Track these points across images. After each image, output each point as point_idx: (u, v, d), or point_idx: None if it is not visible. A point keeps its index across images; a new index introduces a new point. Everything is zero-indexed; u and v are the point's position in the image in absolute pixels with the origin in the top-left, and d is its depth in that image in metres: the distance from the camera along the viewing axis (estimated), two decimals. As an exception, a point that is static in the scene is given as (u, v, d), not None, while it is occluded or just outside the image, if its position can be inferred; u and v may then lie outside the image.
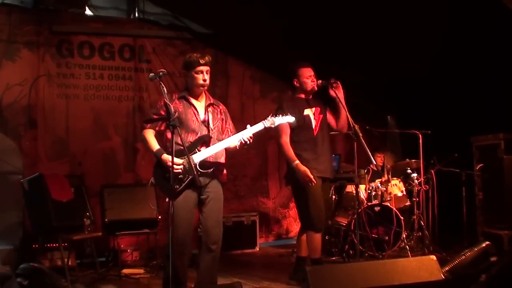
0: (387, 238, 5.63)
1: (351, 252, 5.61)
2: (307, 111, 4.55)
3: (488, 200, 6.00)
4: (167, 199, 3.61)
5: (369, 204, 5.83)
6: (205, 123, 3.85)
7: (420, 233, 5.93)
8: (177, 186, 3.65)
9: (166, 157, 3.66)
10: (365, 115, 6.41)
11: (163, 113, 3.79)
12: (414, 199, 5.89)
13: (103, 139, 6.37)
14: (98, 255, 5.22)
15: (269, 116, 3.83)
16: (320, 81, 4.50)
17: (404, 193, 6.18)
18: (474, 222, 6.07)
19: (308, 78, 4.56)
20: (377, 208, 5.81)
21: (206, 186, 3.79)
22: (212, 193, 3.82)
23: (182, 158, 3.64)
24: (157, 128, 3.87)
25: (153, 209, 5.28)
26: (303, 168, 4.35)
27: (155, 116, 3.86)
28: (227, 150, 3.91)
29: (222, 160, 3.90)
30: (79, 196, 5.22)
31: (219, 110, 3.98)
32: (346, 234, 5.79)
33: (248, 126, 3.77)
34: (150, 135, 3.85)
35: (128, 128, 6.49)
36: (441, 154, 5.96)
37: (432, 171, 6.00)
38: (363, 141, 3.99)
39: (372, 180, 6.13)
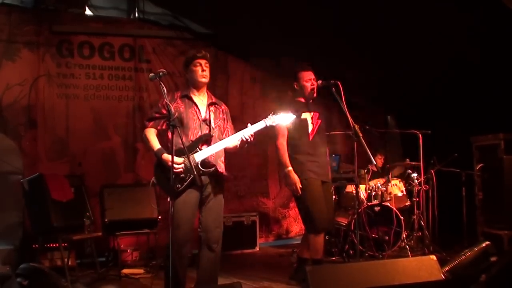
0: (387, 238, 5.64)
1: (351, 252, 5.61)
2: (305, 115, 4.57)
3: (488, 200, 6.01)
4: (168, 199, 3.61)
5: (369, 204, 5.83)
6: (206, 121, 3.84)
7: (420, 233, 5.93)
8: (179, 186, 3.64)
9: (167, 156, 3.65)
10: (365, 115, 6.41)
11: (164, 112, 3.76)
12: (414, 199, 5.88)
13: (103, 139, 6.37)
14: (98, 255, 5.23)
15: (271, 115, 3.83)
16: (320, 81, 4.50)
17: (404, 193, 6.18)
18: (474, 222, 6.08)
19: (308, 81, 4.57)
20: (377, 208, 5.81)
21: (207, 185, 3.78)
22: (213, 193, 3.80)
23: (182, 157, 3.63)
24: (158, 127, 3.86)
25: (153, 208, 5.29)
26: (294, 177, 4.40)
27: (157, 115, 3.85)
28: (226, 151, 3.91)
29: (223, 159, 3.89)
30: (79, 196, 5.22)
31: (221, 109, 3.96)
32: (346, 234, 5.79)
33: (249, 124, 3.76)
34: (151, 134, 3.83)
35: (128, 128, 6.49)
36: (441, 154, 5.96)
37: (432, 171, 6.00)
38: (363, 141, 4.00)
39: (372, 180, 6.13)
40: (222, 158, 3.89)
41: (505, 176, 5.74)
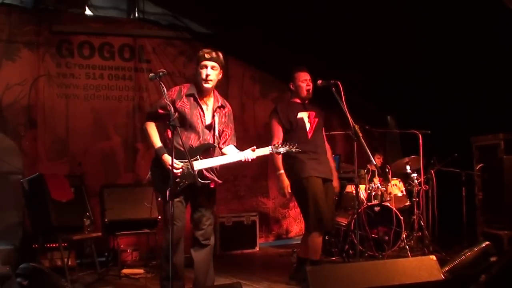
0: (387, 238, 5.63)
1: (351, 252, 5.61)
2: (301, 114, 4.59)
3: (488, 200, 6.00)
4: (159, 198, 3.62)
5: (369, 204, 5.83)
6: (210, 127, 3.78)
7: (420, 233, 5.93)
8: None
9: (167, 158, 3.62)
10: (365, 115, 6.40)
11: (165, 111, 3.71)
12: (414, 199, 5.88)
13: (103, 139, 6.37)
14: (98, 255, 5.22)
15: (277, 144, 3.89)
16: (320, 81, 4.49)
17: (404, 193, 6.18)
18: (474, 222, 6.07)
19: (303, 82, 4.58)
20: (377, 208, 5.81)
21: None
22: (205, 191, 3.76)
23: (183, 162, 3.60)
24: (157, 122, 3.82)
25: (150, 207, 5.29)
26: (285, 180, 4.49)
27: (160, 110, 3.76)
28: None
29: (217, 166, 3.83)
30: (79, 196, 5.22)
31: (224, 113, 3.89)
32: (346, 234, 5.79)
33: (255, 147, 3.75)
34: (152, 129, 3.78)
35: (128, 128, 6.49)
36: (441, 154, 5.96)
37: (432, 171, 6.00)
38: (363, 141, 3.99)
39: (372, 180, 6.13)
40: (217, 166, 3.83)
41: (505, 176, 5.73)
